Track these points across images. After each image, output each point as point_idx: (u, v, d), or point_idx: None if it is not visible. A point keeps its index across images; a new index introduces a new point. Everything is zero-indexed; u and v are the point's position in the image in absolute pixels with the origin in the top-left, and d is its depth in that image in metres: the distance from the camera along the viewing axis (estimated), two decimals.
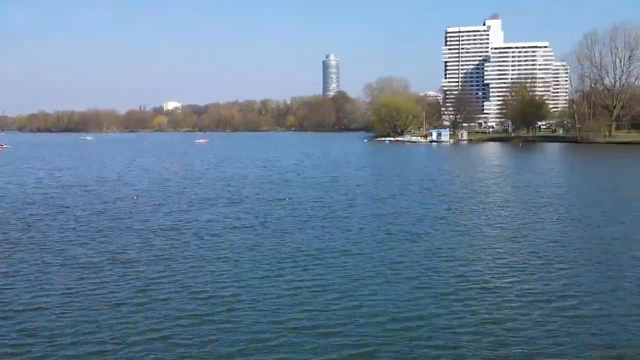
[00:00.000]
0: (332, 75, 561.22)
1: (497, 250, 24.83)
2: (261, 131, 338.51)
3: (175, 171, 66.91)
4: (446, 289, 19.20)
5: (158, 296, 18.53)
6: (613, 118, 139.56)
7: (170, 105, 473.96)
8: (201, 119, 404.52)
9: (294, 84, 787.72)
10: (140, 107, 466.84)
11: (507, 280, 20.17)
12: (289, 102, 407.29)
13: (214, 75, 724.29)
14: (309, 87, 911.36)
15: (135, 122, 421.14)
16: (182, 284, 19.84)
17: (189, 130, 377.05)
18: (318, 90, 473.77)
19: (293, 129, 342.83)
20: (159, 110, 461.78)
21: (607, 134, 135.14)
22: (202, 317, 16.64)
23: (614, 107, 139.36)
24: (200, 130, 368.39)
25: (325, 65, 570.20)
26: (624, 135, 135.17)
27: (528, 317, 16.46)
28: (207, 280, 20.27)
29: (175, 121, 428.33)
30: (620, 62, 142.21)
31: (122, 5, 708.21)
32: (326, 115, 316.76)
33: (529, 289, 19.08)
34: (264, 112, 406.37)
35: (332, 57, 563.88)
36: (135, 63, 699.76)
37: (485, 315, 16.66)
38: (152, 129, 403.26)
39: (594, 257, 23.32)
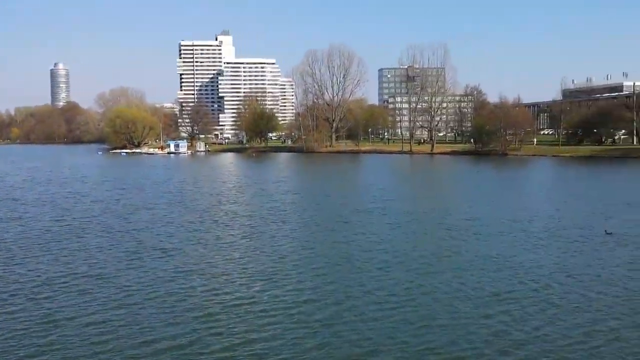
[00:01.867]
0: (62, 85, 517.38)
1: (246, 261, 25.69)
2: None
3: None
4: (200, 307, 19.16)
5: None
6: (333, 130, 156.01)
7: None
8: None
9: (17, 93, 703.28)
10: None
11: (259, 291, 20.96)
12: (12, 113, 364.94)
13: None
14: (35, 97, 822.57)
15: None
16: None
17: None
18: (46, 101, 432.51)
19: (18, 141, 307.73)
20: None
21: (328, 144, 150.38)
22: None
23: (333, 120, 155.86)
24: None
25: (54, 75, 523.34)
26: (342, 145, 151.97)
27: (280, 327, 17.26)
28: None
29: None
30: (337, 79, 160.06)
31: None
32: (55, 126, 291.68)
33: (281, 298, 20.05)
34: None
35: (60, 65, 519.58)
36: None
37: (242, 330, 16.96)
38: None
39: (335, 260, 25.74)
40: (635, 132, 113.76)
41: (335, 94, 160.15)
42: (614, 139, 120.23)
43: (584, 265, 24.13)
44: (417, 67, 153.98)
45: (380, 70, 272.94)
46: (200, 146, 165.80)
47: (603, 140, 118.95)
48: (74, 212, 41.24)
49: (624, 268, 23.69)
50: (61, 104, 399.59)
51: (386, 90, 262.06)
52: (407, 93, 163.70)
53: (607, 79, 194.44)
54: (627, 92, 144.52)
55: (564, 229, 32.61)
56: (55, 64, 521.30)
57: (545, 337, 16.32)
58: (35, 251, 27.69)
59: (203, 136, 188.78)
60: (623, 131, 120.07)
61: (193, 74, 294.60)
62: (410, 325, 17.38)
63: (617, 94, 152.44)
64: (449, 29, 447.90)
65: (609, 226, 32.19)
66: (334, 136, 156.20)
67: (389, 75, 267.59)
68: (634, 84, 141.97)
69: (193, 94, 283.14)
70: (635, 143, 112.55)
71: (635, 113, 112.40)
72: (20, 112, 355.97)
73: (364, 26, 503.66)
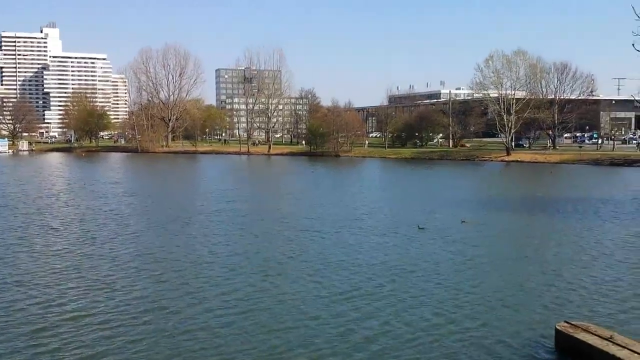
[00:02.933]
0: None
1: (82, 269, 24.43)
2: None
3: None
4: (32, 322, 17.87)
5: None
6: (169, 130, 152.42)
7: None
8: None
9: None
10: None
11: (98, 301, 20.07)
12: None
13: None
14: None
15: None
16: None
17: None
18: None
19: None
20: None
21: (164, 144, 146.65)
22: None
23: (169, 120, 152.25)
24: None
25: None
26: (179, 145, 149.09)
27: (124, 338, 16.67)
28: None
29: None
30: (173, 78, 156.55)
31: None
32: None
33: (123, 308, 19.32)
34: None
35: None
36: None
37: (81, 345, 16.14)
38: None
39: (179, 265, 25.35)
40: (451, 135, 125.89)
41: (171, 93, 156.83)
42: (433, 141, 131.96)
43: (412, 260, 26.19)
44: (254, 69, 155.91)
45: (217, 70, 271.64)
46: (24, 145, 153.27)
47: (424, 143, 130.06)
48: None
49: (444, 261, 26.22)
50: None
51: (224, 91, 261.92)
52: (244, 94, 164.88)
53: (427, 87, 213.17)
54: (444, 99, 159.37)
55: (391, 225, 35.36)
56: None
57: (392, 331, 17.39)
58: None
59: (27, 134, 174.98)
60: (441, 134, 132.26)
61: (15, 67, 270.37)
62: (262, 329, 17.50)
63: (435, 100, 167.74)
64: (286, 32, 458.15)
65: (422, 222, 35.36)
66: (170, 136, 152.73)
67: (226, 76, 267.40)
68: (450, 91, 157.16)
69: (15, 89, 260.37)
70: (450, 146, 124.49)
71: (450, 118, 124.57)
72: None
73: (202, 25, 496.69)
